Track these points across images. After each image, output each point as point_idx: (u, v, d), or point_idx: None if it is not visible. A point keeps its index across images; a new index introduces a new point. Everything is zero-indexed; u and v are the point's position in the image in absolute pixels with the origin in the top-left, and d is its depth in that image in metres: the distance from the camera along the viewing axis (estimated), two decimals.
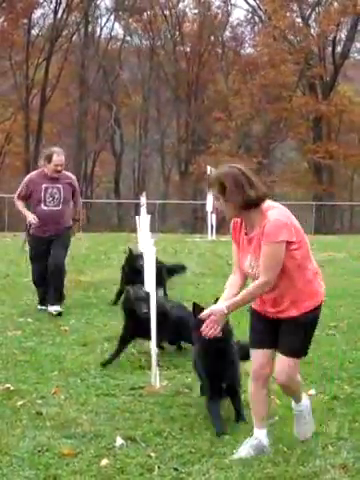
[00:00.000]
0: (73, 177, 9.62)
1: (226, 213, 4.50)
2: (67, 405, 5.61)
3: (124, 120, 46.43)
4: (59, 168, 9.19)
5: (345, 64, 42.99)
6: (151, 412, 5.43)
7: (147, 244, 7.11)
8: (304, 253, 4.49)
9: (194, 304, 5.04)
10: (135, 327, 6.78)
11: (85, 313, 9.45)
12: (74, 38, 45.06)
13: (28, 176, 9.55)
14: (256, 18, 46.15)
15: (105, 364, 6.73)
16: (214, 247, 18.37)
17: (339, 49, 42.87)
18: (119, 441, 4.78)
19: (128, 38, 47.14)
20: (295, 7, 43.77)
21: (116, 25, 50.37)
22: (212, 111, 44.02)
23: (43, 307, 9.36)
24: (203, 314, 4.54)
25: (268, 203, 4.46)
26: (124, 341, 6.95)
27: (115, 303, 9.59)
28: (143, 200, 11.61)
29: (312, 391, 5.94)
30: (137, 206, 31.51)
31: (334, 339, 8.03)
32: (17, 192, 9.44)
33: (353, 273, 13.78)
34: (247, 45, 47.62)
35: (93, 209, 41.00)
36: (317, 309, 4.60)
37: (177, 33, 45.79)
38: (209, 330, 4.48)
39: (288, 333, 4.54)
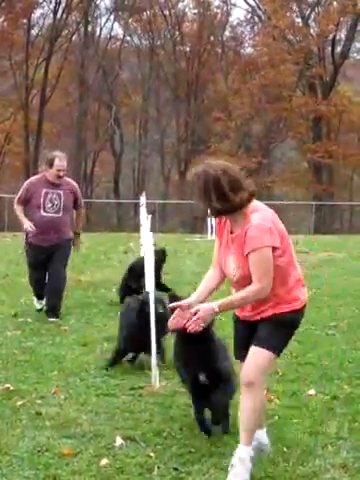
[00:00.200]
0: (76, 185, 9.25)
1: (209, 212, 4.29)
2: (67, 405, 5.60)
3: (124, 120, 46.47)
4: (61, 173, 8.85)
5: (345, 64, 43.06)
6: (151, 412, 5.43)
7: (148, 244, 7.10)
8: (288, 259, 4.27)
9: (170, 295, 4.79)
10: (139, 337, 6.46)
11: (85, 313, 9.45)
12: (74, 38, 45.15)
13: (28, 180, 9.26)
14: (256, 18, 46.22)
15: (109, 366, 6.69)
16: (214, 247, 18.37)
17: (339, 49, 42.91)
18: (119, 441, 4.77)
19: (128, 38, 47.32)
20: (295, 7, 43.82)
21: (116, 25, 50.60)
22: (212, 111, 44.07)
23: (40, 304, 9.29)
24: (191, 309, 4.27)
25: (253, 204, 4.23)
26: (123, 355, 6.75)
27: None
28: (143, 200, 11.60)
29: (312, 391, 5.94)
30: (137, 206, 31.54)
31: (334, 339, 8.03)
32: (17, 196, 9.11)
33: (353, 273, 13.80)
34: (247, 45, 47.75)
35: (93, 209, 40.98)
36: (296, 312, 4.32)
37: (177, 33, 45.85)
38: (194, 326, 4.24)
39: (263, 328, 4.27)
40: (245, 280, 4.19)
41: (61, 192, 8.91)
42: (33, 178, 9.24)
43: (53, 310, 8.95)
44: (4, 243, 19.12)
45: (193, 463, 4.46)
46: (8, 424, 5.16)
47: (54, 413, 5.38)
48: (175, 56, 45.43)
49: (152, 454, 4.57)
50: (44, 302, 9.24)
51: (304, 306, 4.39)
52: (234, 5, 60.18)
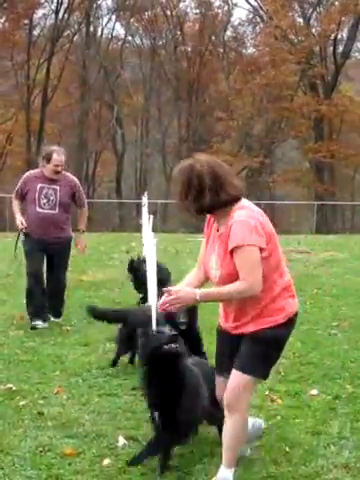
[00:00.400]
0: (76, 180, 8.78)
1: (190, 210, 4.04)
2: (69, 405, 5.61)
3: (125, 120, 46.45)
4: (59, 168, 8.44)
5: (346, 64, 42.99)
6: None
7: (149, 244, 7.09)
8: (273, 263, 3.98)
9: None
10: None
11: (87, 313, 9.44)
12: (75, 38, 45.10)
13: (26, 173, 8.84)
14: (257, 18, 46.17)
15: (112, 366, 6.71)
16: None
17: (340, 49, 42.87)
18: (121, 441, 4.78)
19: (129, 38, 47.27)
20: (296, 7, 43.80)
21: (117, 25, 50.53)
22: (213, 111, 44.04)
23: (39, 322, 8.49)
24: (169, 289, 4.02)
25: (241, 203, 3.99)
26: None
27: None
28: (145, 200, 11.59)
29: (314, 391, 5.94)
30: (139, 206, 31.51)
31: (336, 338, 8.03)
32: (15, 190, 8.74)
33: (354, 273, 13.79)
34: (248, 45, 47.68)
35: (94, 209, 40.96)
36: (279, 328, 4.01)
37: (178, 33, 45.81)
38: (168, 306, 3.97)
39: (244, 348, 4.03)
40: (225, 281, 3.97)
41: (57, 187, 8.49)
42: (31, 172, 8.85)
43: (55, 310, 8.87)
44: (5, 243, 19.10)
45: (195, 463, 4.46)
46: (10, 424, 5.17)
47: (56, 413, 5.39)
48: (176, 56, 45.42)
49: None
50: (38, 322, 8.52)
51: (291, 320, 4.06)
52: (236, 5, 60.31)
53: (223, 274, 3.99)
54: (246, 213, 3.91)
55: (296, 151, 46.47)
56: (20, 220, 8.45)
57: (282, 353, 4.22)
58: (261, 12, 45.31)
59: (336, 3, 42.37)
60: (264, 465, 4.42)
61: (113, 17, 45.99)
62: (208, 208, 3.97)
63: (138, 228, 16.56)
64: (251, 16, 46.55)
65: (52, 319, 8.82)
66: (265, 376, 4.13)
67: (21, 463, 4.46)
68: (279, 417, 5.31)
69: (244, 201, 4.01)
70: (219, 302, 4.20)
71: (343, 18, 41.43)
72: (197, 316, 6.12)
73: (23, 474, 4.31)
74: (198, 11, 45.66)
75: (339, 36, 43.02)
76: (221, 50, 46.70)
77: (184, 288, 4.03)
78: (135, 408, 5.51)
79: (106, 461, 4.46)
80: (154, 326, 5.65)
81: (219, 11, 45.83)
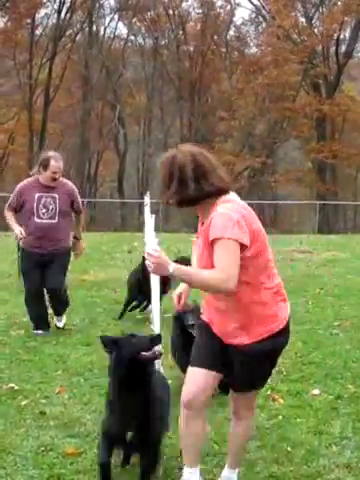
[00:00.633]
0: (73, 187, 8.31)
1: (170, 201, 3.80)
2: (71, 404, 5.62)
3: (128, 119, 46.46)
4: (57, 175, 7.97)
5: (349, 63, 42.99)
6: None
7: (151, 244, 7.10)
8: (262, 263, 3.71)
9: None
10: None
11: (88, 313, 9.46)
12: (78, 38, 45.13)
13: (20, 184, 8.25)
14: (260, 17, 46.16)
15: None
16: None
17: (343, 48, 42.86)
18: None
19: (132, 38, 47.29)
20: (299, 6, 43.78)
21: (120, 25, 50.55)
22: (216, 110, 44.04)
23: (40, 331, 8.23)
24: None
25: (228, 197, 3.74)
26: None
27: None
28: (147, 200, 11.58)
29: (316, 391, 5.94)
30: (141, 205, 31.51)
31: (338, 338, 8.03)
32: (8, 203, 8.17)
33: (356, 272, 13.78)
34: (251, 44, 47.69)
35: (97, 208, 41.01)
36: (276, 336, 3.76)
37: (181, 32, 45.81)
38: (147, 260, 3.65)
39: (239, 366, 3.81)
40: None
41: (56, 195, 8.05)
42: (25, 182, 8.24)
43: (56, 311, 8.68)
44: (6, 243, 19.12)
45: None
46: (12, 424, 5.17)
47: (58, 413, 5.39)
48: (179, 56, 45.41)
49: None
50: (38, 331, 8.29)
51: (285, 328, 3.81)
52: (238, 5, 60.38)
53: (199, 267, 3.77)
54: (230, 206, 3.65)
55: (298, 151, 46.45)
56: (19, 230, 7.93)
57: (283, 353, 4.17)
58: (264, 12, 45.33)
59: (339, 3, 42.35)
60: (266, 465, 4.42)
61: (115, 17, 46.10)
62: (191, 199, 3.72)
63: (140, 228, 16.58)
64: (254, 16, 46.63)
65: (56, 323, 8.56)
66: (263, 385, 4.21)
67: (23, 463, 4.46)
68: (281, 417, 5.31)
69: (232, 195, 3.78)
70: (190, 286, 3.96)
71: (346, 18, 41.42)
72: None
73: (25, 474, 4.32)
74: (200, 11, 45.70)
75: (342, 36, 43.09)
76: (223, 50, 46.69)
77: (165, 257, 3.62)
78: None
79: None
80: (157, 329, 5.67)
81: (221, 11, 45.85)
